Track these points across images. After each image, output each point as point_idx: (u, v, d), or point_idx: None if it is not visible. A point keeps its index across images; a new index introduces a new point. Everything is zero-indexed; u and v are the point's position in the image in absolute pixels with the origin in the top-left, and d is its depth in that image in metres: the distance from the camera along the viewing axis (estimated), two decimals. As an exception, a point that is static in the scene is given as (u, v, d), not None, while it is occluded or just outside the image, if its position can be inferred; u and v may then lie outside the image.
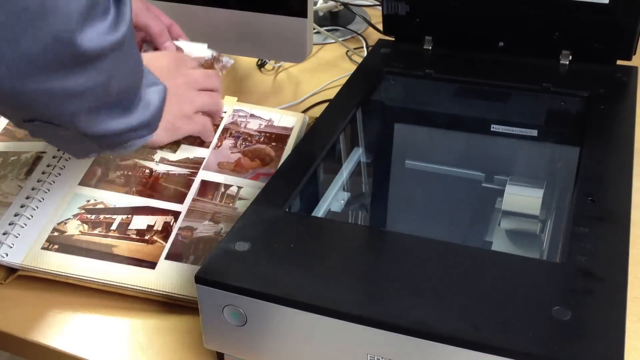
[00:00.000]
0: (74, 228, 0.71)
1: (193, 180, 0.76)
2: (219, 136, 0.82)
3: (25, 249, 0.69)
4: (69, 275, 0.67)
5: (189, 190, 0.75)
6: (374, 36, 1.10)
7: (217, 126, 0.83)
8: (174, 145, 0.81)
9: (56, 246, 0.69)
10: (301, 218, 0.61)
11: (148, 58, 0.67)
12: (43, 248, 0.69)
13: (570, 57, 0.83)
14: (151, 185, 0.76)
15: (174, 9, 0.93)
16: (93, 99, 0.52)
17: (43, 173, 0.77)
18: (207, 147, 0.81)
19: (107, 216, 0.72)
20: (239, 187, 0.75)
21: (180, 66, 0.77)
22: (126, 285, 0.66)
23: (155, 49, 0.82)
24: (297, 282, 0.51)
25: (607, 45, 0.81)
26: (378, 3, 1.22)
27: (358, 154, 0.76)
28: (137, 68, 0.58)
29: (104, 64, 0.49)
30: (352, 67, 0.93)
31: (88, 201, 0.74)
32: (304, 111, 0.93)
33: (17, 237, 0.70)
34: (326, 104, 0.78)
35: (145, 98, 0.61)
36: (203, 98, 0.78)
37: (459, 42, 0.87)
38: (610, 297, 0.48)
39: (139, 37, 0.82)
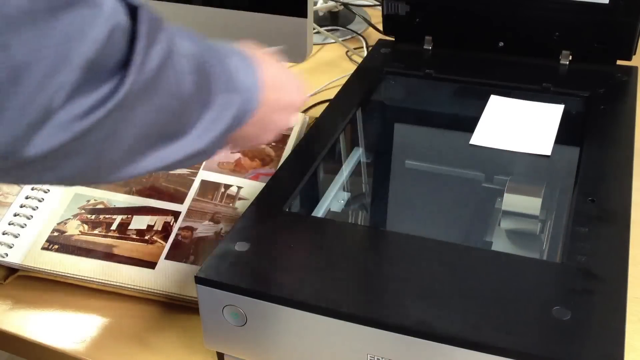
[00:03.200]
0: (74, 228, 0.71)
1: (193, 180, 0.76)
2: (219, 136, 0.82)
3: (25, 249, 0.69)
4: (69, 275, 0.67)
5: (189, 190, 0.75)
6: (374, 36, 1.10)
7: None
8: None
9: (56, 246, 0.69)
10: (301, 218, 0.61)
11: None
12: (43, 248, 0.69)
13: (570, 57, 0.83)
14: (151, 185, 0.76)
15: (174, 9, 0.93)
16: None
17: (43, 173, 0.77)
18: None
19: (107, 216, 0.72)
20: (239, 187, 0.75)
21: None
22: (126, 285, 0.66)
23: None
24: (297, 282, 0.51)
25: (607, 45, 0.81)
26: (378, 3, 1.22)
27: (358, 154, 0.76)
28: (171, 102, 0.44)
29: (95, 135, 0.38)
30: (352, 67, 0.93)
31: (88, 201, 0.74)
32: (304, 111, 0.93)
33: (17, 237, 0.70)
34: (326, 104, 0.78)
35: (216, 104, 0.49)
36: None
37: (459, 42, 0.87)
38: (610, 297, 0.48)
39: None
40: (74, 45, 0.35)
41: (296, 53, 0.88)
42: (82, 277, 0.67)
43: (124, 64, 0.38)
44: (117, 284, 0.66)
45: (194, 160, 0.49)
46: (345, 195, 0.69)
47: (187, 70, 0.44)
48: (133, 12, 0.39)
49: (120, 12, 0.38)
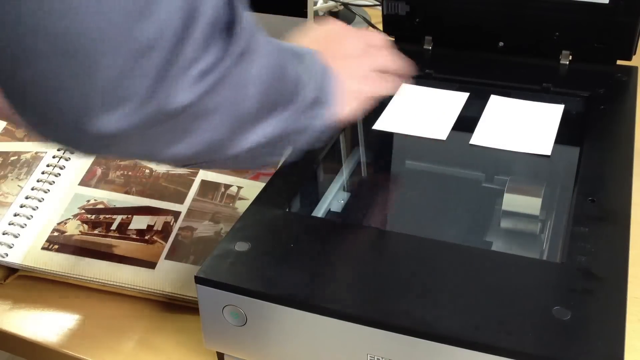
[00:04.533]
0: (74, 228, 0.71)
1: (193, 180, 0.76)
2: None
3: (25, 249, 0.69)
4: (69, 275, 0.67)
5: (189, 190, 0.75)
6: (374, 36, 1.10)
7: None
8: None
9: (56, 246, 0.69)
10: (301, 218, 0.61)
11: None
12: (43, 248, 0.69)
13: (570, 57, 0.83)
14: (151, 185, 0.76)
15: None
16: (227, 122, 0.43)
17: (43, 173, 0.77)
18: None
19: (107, 216, 0.72)
20: (239, 187, 0.75)
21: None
22: (126, 285, 0.66)
23: None
24: (297, 282, 0.51)
25: (607, 45, 0.81)
26: (378, 3, 1.22)
27: (358, 154, 0.76)
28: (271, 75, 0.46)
29: (214, 99, 0.40)
30: (352, 67, 0.93)
31: (88, 201, 0.74)
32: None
33: (17, 237, 0.70)
34: (326, 104, 0.78)
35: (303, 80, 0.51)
36: (376, 58, 0.67)
37: (459, 42, 0.87)
38: (610, 297, 0.48)
39: None
40: (201, 6, 0.37)
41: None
42: (82, 277, 0.67)
43: (232, 23, 0.40)
44: (117, 284, 0.66)
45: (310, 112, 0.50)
46: (345, 195, 0.69)
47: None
48: None
49: None
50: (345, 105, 0.60)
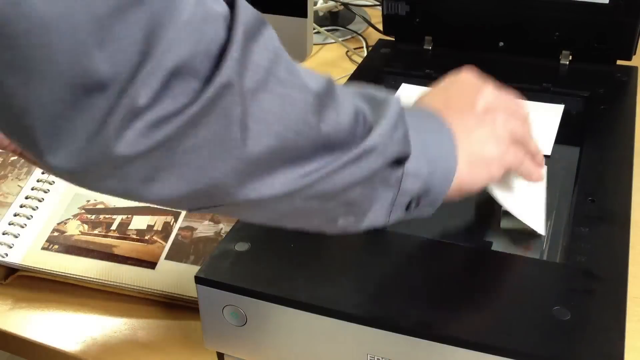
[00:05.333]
0: (74, 228, 0.71)
1: (193, 180, 0.76)
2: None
3: (25, 249, 0.69)
4: (69, 275, 0.67)
5: (189, 190, 0.75)
6: (374, 36, 1.10)
7: None
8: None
9: (56, 246, 0.69)
10: (301, 218, 0.61)
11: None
12: (43, 248, 0.69)
13: (570, 57, 0.83)
14: (151, 185, 0.76)
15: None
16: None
17: (43, 173, 0.77)
18: None
19: (107, 216, 0.72)
20: (239, 187, 0.75)
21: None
22: (126, 285, 0.66)
23: None
24: (297, 282, 0.51)
25: (607, 45, 0.81)
26: (378, 3, 1.22)
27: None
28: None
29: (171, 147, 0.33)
30: (352, 67, 0.93)
31: (88, 201, 0.74)
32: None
33: (17, 237, 0.70)
34: (326, 104, 0.78)
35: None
36: (516, 122, 0.55)
37: (459, 42, 0.86)
38: (610, 297, 0.48)
39: None
40: (160, 45, 0.31)
41: (296, 53, 0.88)
42: (82, 277, 0.67)
43: (223, 52, 0.33)
44: (117, 284, 0.66)
45: (366, 168, 0.42)
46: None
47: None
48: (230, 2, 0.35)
49: None
50: (468, 171, 0.49)
